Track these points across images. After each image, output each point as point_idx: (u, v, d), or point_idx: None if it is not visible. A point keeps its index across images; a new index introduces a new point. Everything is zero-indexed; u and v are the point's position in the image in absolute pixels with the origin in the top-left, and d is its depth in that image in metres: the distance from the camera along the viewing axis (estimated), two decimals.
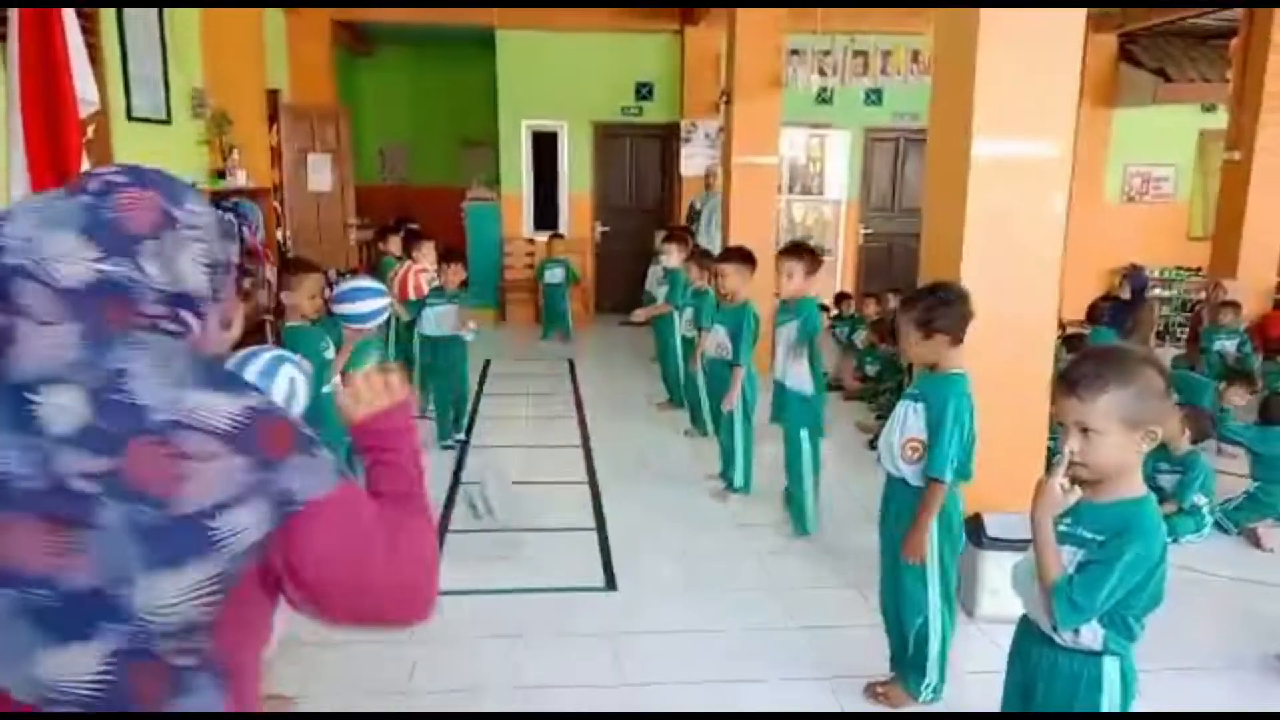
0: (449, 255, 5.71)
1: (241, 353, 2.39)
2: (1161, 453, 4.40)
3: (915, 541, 2.64)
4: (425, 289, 5.30)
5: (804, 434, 4.07)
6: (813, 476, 4.11)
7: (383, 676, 2.92)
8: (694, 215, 8.91)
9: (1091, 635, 1.75)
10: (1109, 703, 1.76)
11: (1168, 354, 8.30)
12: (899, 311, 2.78)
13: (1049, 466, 1.75)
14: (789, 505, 4.19)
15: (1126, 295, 8.41)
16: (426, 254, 5.83)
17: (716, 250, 8.44)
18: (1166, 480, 4.36)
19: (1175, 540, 4.16)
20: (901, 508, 2.72)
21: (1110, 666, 1.76)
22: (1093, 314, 7.71)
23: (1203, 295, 9.23)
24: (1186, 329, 8.82)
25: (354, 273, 6.41)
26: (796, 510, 4.11)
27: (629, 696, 2.85)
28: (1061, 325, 6.52)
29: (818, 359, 4.04)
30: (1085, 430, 1.67)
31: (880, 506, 2.88)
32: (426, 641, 3.12)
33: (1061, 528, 1.75)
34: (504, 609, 3.40)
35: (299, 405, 2.48)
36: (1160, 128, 9.49)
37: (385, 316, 3.98)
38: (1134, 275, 8.75)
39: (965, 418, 2.59)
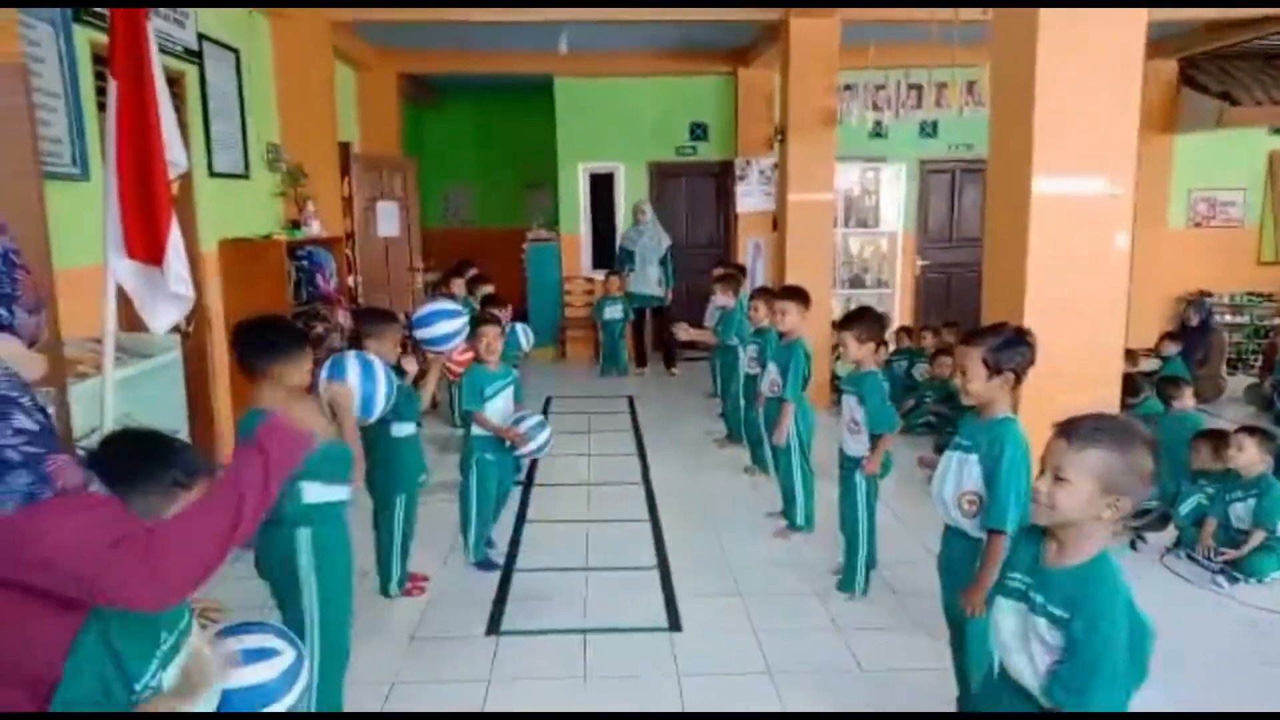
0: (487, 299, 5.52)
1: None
2: (1234, 480, 4.28)
3: (978, 597, 2.56)
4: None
5: (860, 488, 3.89)
6: (868, 522, 3.93)
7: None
8: (625, 256, 8.92)
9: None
10: None
11: (1240, 382, 8.07)
12: (961, 345, 2.76)
13: None
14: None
15: (1194, 323, 8.22)
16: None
17: (652, 288, 8.77)
18: (1241, 509, 4.23)
19: (1260, 580, 4.04)
20: (962, 557, 2.71)
21: None
22: (1161, 346, 7.55)
23: (1277, 321, 8.98)
24: (1260, 355, 8.57)
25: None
26: (849, 567, 3.98)
27: None
28: (1132, 354, 6.39)
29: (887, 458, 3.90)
30: (1059, 477, 1.73)
31: (941, 552, 2.88)
32: (499, 680, 3.21)
33: (1033, 595, 1.78)
34: (569, 649, 3.46)
35: (379, 378, 2.94)
36: (1226, 151, 9.29)
37: (462, 337, 3.98)
38: (1199, 303, 8.57)
39: (1021, 465, 2.57)
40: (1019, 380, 2.65)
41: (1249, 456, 4.27)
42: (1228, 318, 9.17)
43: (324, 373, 2.88)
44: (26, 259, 1.51)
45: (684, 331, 6.43)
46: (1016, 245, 3.61)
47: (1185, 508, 4.45)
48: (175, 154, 3.74)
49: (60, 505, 1.29)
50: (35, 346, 1.51)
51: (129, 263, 3.33)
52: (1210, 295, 9.16)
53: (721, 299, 6.49)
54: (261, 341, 2.46)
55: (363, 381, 2.92)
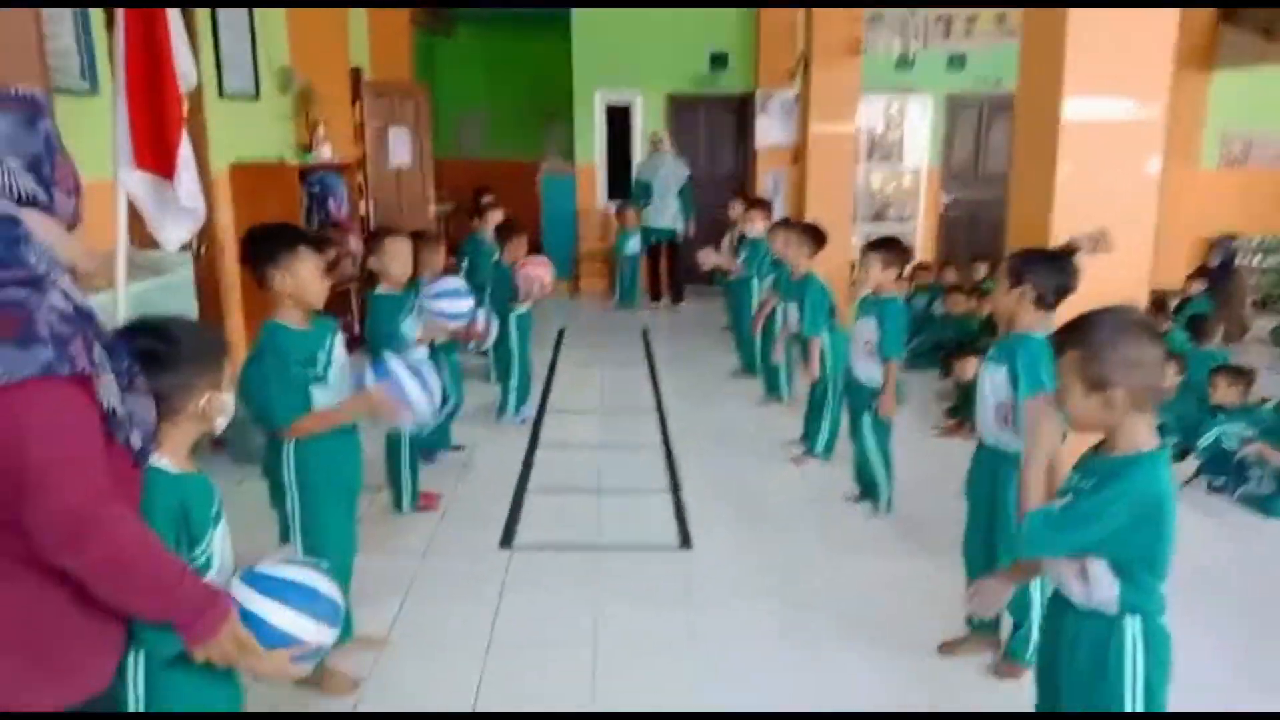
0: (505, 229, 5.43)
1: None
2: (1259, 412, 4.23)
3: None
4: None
5: (867, 419, 3.94)
6: (881, 456, 3.97)
7: (470, 626, 3.05)
8: (642, 188, 8.61)
9: (1108, 590, 1.73)
10: (1131, 664, 1.72)
11: (1267, 324, 7.95)
12: (1003, 264, 2.74)
13: None
14: (859, 478, 4.15)
15: (1216, 264, 8.09)
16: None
17: (668, 221, 8.51)
18: None
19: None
20: (1003, 475, 2.65)
21: (1131, 626, 1.73)
22: (1187, 286, 7.44)
23: None
24: None
25: (449, 271, 6.19)
26: (870, 485, 4.05)
27: (703, 650, 2.90)
28: (1160, 297, 6.29)
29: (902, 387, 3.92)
30: (1058, 388, 1.77)
31: (970, 472, 2.86)
32: (512, 592, 3.25)
33: (1072, 482, 1.79)
34: (581, 564, 3.49)
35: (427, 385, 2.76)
36: (1263, 90, 8.99)
37: (467, 321, 4.10)
38: (1223, 244, 8.42)
39: (1042, 374, 2.50)
40: (1042, 301, 2.59)
41: None
42: (1257, 260, 8.99)
43: (369, 374, 2.71)
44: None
45: (708, 256, 6.33)
46: (1044, 172, 3.51)
47: (1205, 441, 4.41)
48: (185, 67, 3.67)
49: (67, 398, 1.27)
50: (73, 230, 1.49)
51: (139, 174, 3.30)
52: (1239, 237, 8.97)
53: (754, 227, 6.17)
54: (270, 244, 2.42)
55: (410, 390, 2.72)
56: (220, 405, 1.67)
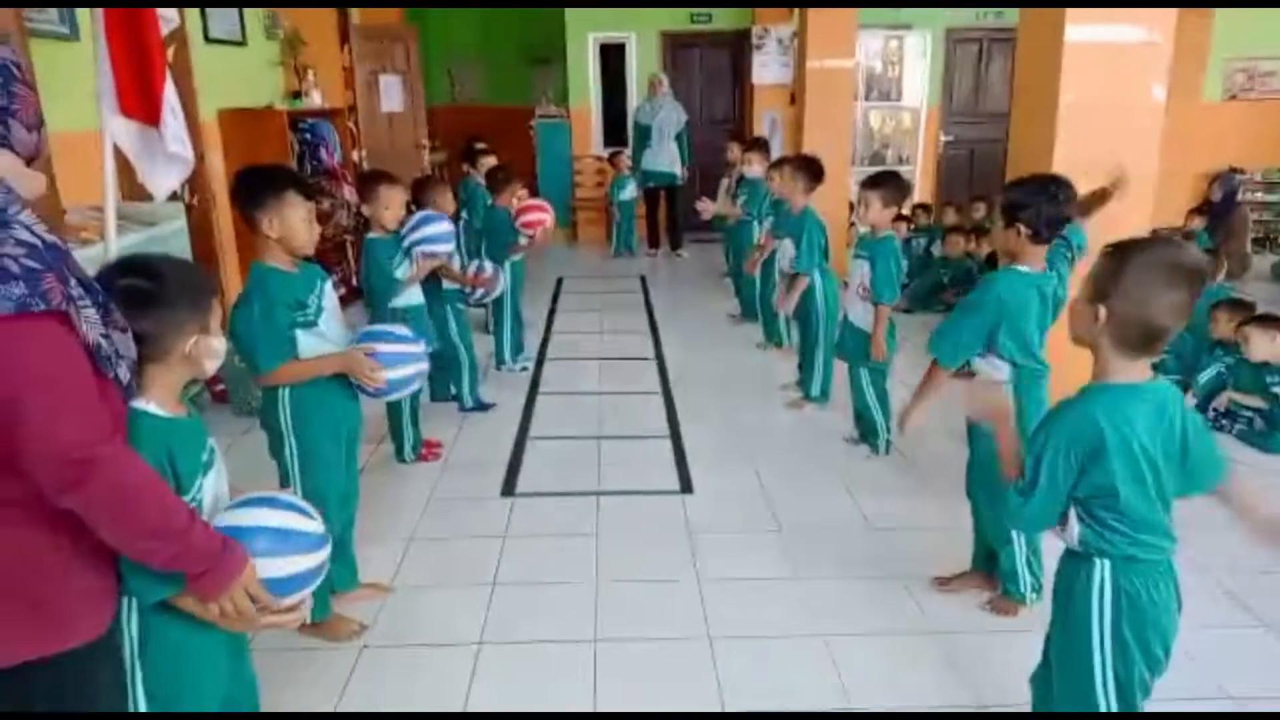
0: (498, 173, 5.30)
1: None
2: (1269, 369, 4.18)
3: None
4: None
5: (864, 372, 3.95)
6: (879, 399, 3.98)
7: (473, 570, 3.07)
8: (641, 132, 8.47)
9: (1073, 527, 1.74)
10: (1097, 609, 1.72)
11: (1268, 260, 7.90)
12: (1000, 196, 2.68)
13: None
14: (857, 421, 4.15)
15: (1218, 198, 8.00)
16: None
17: (664, 164, 8.35)
18: None
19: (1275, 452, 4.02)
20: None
21: (1101, 570, 1.72)
22: (1188, 221, 7.37)
23: None
24: None
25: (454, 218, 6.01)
26: (869, 429, 4.05)
27: (706, 590, 2.93)
28: (1161, 233, 6.23)
29: (891, 328, 3.89)
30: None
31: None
32: (514, 536, 3.27)
33: None
34: (582, 509, 3.51)
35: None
36: (1269, 17, 8.79)
37: (451, 246, 3.98)
38: (1225, 178, 8.31)
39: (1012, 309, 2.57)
40: (1040, 237, 2.55)
41: (1263, 348, 4.15)
42: (1260, 195, 8.89)
43: (384, 347, 2.62)
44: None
45: (706, 206, 6.24)
46: (1047, 99, 3.45)
47: (1204, 376, 4.40)
48: (166, 10, 3.58)
49: (50, 335, 1.24)
50: (34, 165, 1.45)
51: (125, 121, 3.23)
52: (1242, 172, 8.86)
53: (753, 169, 6.07)
54: (259, 188, 2.37)
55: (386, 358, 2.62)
56: (208, 348, 1.62)
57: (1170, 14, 3.43)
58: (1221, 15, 8.72)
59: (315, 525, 1.66)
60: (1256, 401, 4.17)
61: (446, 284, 4.35)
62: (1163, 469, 1.67)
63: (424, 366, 2.76)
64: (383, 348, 2.59)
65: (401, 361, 2.64)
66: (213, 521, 1.55)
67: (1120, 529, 1.69)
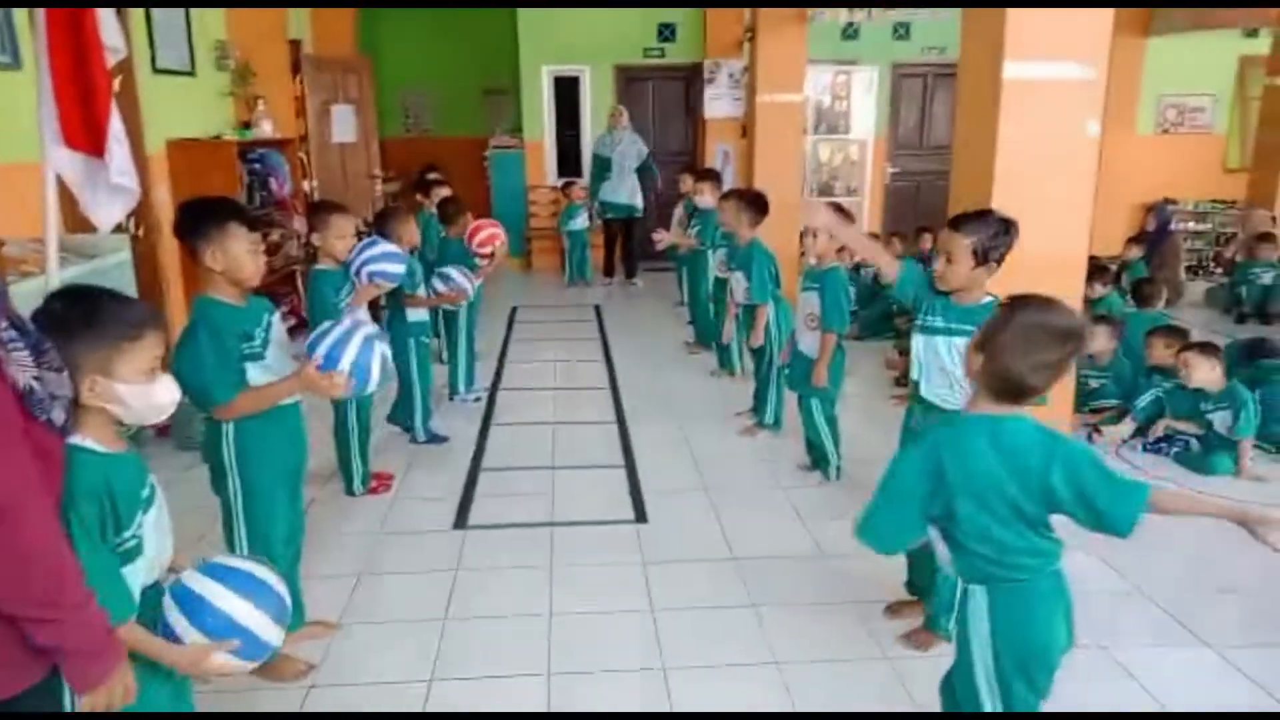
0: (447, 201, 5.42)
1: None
2: (1203, 395, 4.31)
3: None
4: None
5: (814, 402, 4.00)
6: (828, 427, 4.04)
7: (423, 605, 3.03)
8: (601, 164, 8.46)
9: (942, 552, 1.83)
10: (978, 645, 1.79)
11: (1200, 287, 8.19)
12: (948, 230, 2.67)
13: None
14: (809, 449, 4.20)
15: (1152, 228, 8.31)
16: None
17: (624, 196, 8.42)
18: (1218, 418, 4.23)
19: (1208, 475, 4.13)
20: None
21: (978, 600, 1.79)
22: (1126, 250, 7.63)
23: (1232, 229, 9.06)
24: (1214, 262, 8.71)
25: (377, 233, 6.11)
26: (820, 456, 4.10)
27: (661, 621, 2.92)
28: (1099, 263, 6.42)
29: (840, 356, 3.96)
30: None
31: (904, 434, 2.90)
32: (466, 570, 3.23)
33: None
34: (536, 541, 3.49)
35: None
36: (1197, 56, 9.21)
37: (402, 268, 3.79)
38: (1159, 209, 8.64)
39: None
40: (996, 267, 2.64)
41: (1202, 375, 4.28)
42: (1191, 225, 9.24)
43: (318, 348, 2.43)
44: None
45: (662, 237, 6.26)
46: (986, 134, 3.55)
47: (1142, 402, 4.53)
48: (112, 38, 3.53)
49: None
50: None
51: (68, 153, 3.18)
52: (1175, 202, 9.20)
53: (705, 199, 6.10)
54: (201, 219, 2.34)
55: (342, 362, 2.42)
56: (109, 393, 1.52)
57: (1103, 49, 3.56)
58: (1153, 53, 9.10)
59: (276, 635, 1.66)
60: (1193, 428, 4.31)
61: (412, 315, 4.32)
62: (1018, 493, 1.71)
63: (380, 346, 2.49)
64: (322, 346, 2.41)
65: (345, 343, 2.41)
66: (186, 582, 1.59)
67: (981, 551, 1.76)
